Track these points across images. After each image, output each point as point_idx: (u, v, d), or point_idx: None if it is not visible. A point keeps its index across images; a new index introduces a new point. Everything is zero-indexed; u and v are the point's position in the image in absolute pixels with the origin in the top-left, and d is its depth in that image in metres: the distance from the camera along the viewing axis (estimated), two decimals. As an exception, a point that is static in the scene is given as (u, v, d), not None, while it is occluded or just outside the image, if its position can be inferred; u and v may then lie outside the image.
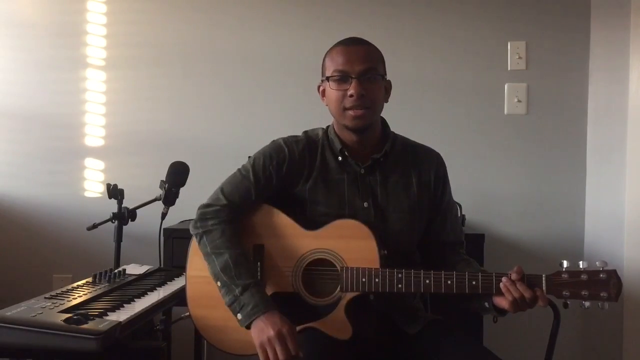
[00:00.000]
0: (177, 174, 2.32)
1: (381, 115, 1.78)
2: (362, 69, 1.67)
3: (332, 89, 1.69)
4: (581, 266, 1.52)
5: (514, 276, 1.53)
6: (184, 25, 3.02)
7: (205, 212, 1.70)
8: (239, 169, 1.77)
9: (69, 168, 3.03)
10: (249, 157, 1.80)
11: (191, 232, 1.72)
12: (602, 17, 2.88)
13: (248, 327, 1.57)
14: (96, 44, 3.01)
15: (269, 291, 1.68)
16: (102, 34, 3.02)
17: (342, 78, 1.67)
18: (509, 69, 2.94)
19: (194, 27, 3.01)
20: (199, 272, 1.71)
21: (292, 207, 1.72)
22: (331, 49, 1.74)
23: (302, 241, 1.68)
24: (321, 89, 1.77)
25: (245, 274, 1.61)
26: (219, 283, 1.63)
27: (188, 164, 2.36)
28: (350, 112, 1.67)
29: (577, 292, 1.51)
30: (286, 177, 1.73)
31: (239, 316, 1.58)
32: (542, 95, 2.93)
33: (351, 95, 1.65)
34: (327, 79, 1.71)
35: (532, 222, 2.95)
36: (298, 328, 1.62)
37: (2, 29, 3.02)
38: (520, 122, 2.94)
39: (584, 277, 1.52)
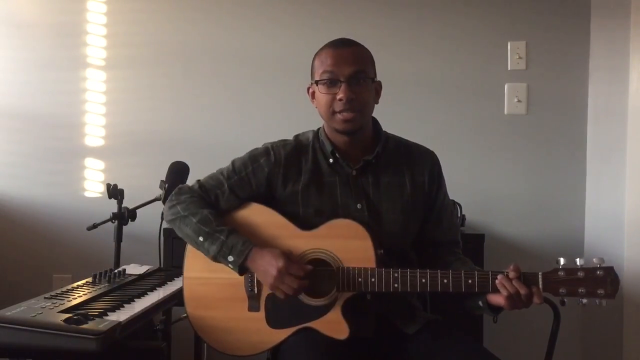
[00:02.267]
0: (177, 174, 2.32)
1: (376, 116, 1.77)
2: (351, 72, 1.65)
3: (321, 93, 1.68)
4: (578, 263, 1.52)
5: (511, 274, 1.53)
6: (184, 25, 3.02)
7: (181, 189, 1.75)
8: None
9: (69, 168, 3.03)
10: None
11: (165, 204, 1.76)
12: (602, 17, 2.88)
13: (242, 268, 1.60)
14: (96, 44, 3.02)
15: (266, 291, 1.67)
16: (102, 34, 3.02)
17: (331, 82, 1.66)
18: (509, 69, 2.94)
19: (194, 27, 3.01)
20: (196, 274, 1.71)
21: (285, 209, 1.71)
22: (319, 50, 1.72)
23: (298, 241, 1.67)
24: (310, 91, 1.75)
25: (225, 225, 1.65)
26: (200, 238, 1.63)
27: (188, 164, 2.36)
28: (340, 116, 1.66)
29: (574, 290, 1.51)
30: (270, 178, 1.72)
31: (231, 258, 1.60)
32: (542, 95, 2.93)
33: (340, 99, 1.64)
34: (316, 82, 1.69)
35: (532, 222, 2.94)
36: (294, 328, 1.63)
37: (2, 29, 3.02)
38: (520, 122, 2.94)
39: (580, 274, 1.51)
